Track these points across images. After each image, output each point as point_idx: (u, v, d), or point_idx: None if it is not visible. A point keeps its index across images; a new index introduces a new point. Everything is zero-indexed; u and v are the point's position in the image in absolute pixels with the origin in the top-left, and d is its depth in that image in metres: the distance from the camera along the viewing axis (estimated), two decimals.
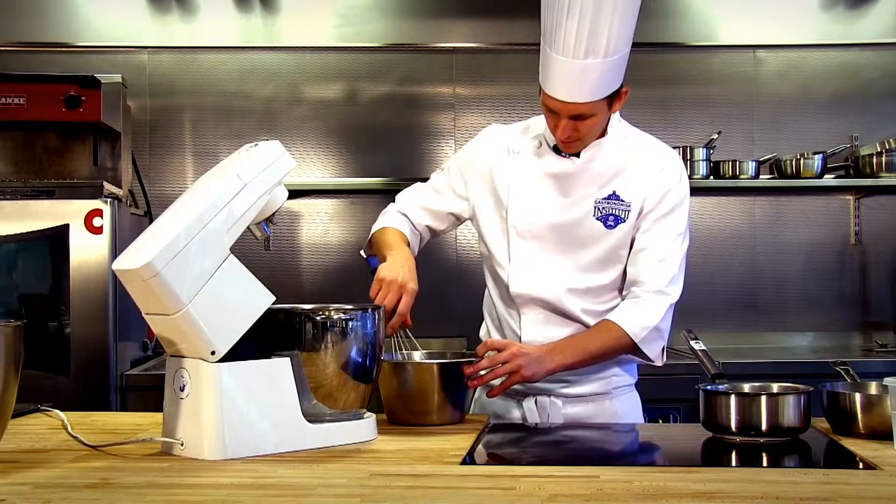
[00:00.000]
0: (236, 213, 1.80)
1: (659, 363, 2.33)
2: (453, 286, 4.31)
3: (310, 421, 1.83)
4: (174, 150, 4.36)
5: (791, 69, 4.36)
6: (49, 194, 3.55)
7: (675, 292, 2.32)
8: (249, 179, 1.83)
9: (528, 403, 2.35)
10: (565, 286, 2.31)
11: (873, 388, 2.03)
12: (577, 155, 2.33)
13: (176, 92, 4.35)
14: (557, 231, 2.32)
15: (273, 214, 1.94)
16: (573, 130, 2.23)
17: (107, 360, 3.48)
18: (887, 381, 1.80)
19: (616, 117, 2.36)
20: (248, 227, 1.88)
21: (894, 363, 3.72)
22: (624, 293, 2.35)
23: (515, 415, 2.37)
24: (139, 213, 4.02)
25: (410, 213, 2.49)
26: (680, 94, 4.35)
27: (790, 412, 1.91)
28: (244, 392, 1.77)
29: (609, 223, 2.31)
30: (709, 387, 2.02)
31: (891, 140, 4.16)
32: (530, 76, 4.60)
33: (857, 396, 1.92)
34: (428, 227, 2.49)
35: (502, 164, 2.39)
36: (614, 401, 2.39)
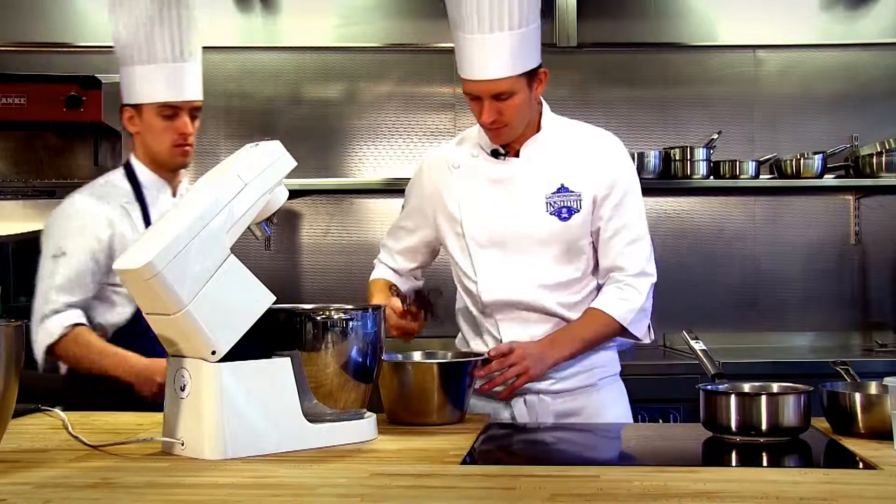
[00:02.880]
0: (237, 213, 1.80)
1: (647, 340, 2.38)
2: (453, 286, 4.30)
3: (310, 421, 1.83)
4: None
5: (791, 69, 4.36)
6: (50, 194, 3.55)
7: (654, 270, 2.38)
8: (250, 179, 1.83)
9: (517, 404, 2.36)
10: (535, 284, 2.34)
11: (873, 388, 2.03)
12: (517, 155, 2.36)
13: None
14: (515, 233, 2.35)
15: (273, 214, 1.94)
16: (497, 114, 2.25)
17: None
18: (887, 380, 1.80)
19: (548, 110, 2.40)
20: (248, 227, 1.89)
21: (894, 363, 3.72)
22: (601, 281, 2.38)
23: (504, 416, 2.37)
24: None
25: (389, 261, 2.57)
26: (680, 94, 4.35)
27: (790, 412, 1.91)
28: (245, 392, 1.77)
29: (563, 216, 2.33)
30: (709, 387, 2.02)
31: (891, 140, 4.15)
32: None
33: (857, 396, 1.92)
34: (411, 267, 2.56)
35: (446, 181, 2.43)
36: (601, 392, 2.41)
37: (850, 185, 4.20)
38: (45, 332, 2.46)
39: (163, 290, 1.70)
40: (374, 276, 2.57)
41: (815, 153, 4.08)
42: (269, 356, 1.82)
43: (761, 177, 4.14)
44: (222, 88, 4.29)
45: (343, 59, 4.32)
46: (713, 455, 1.94)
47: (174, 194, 2.61)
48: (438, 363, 2.12)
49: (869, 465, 1.67)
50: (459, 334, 2.55)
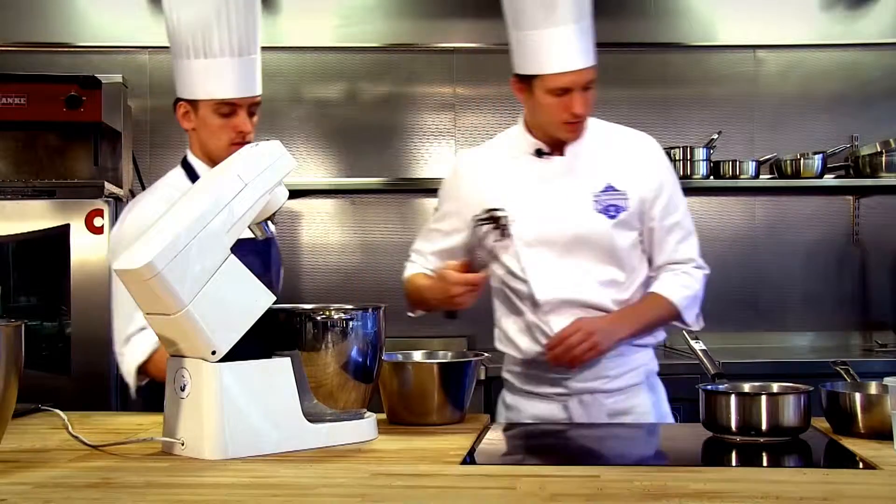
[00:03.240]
0: (237, 213, 1.80)
1: (697, 327, 2.43)
2: None
3: (310, 421, 1.83)
4: (175, 151, 4.35)
5: (791, 69, 4.36)
6: (50, 194, 3.55)
7: (704, 263, 2.47)
8: (250, 179, 1.83)
9: (572, 403, 2.39)
10: (586, 282, 2.37)
11: (873, 388, 2.03)
12: (562, 154, 2.39)
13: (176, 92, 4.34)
14: (563, 232, 2.37)
15: (274, 214, 1.94)
16: (584, 106, 2.30)
17: (107, 359, 3.47)
18: (887, 380, 1.80)
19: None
20: (248, 227, 1.89)
21: (894, 363, 3.72)
22: (659, 272, 2.44)
23: (560, 416, 2.40)
24: None
25: (424, 262, 2.54)
26: (680, 94, 4.35)
27: (790, 412, 1.91)
28: (245, 392, 1.77)
29: (611, 213, 2.37)
30: (709, 387, 2.02)
31: (891, 140, 4.15)
32: None
33: (857, 396, 1.92)
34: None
35: (487, 182, 2.44)
36: (648, 390, 2.45)
37: (850, 185, 4.20)
38: (133, 352, 2.33)
39: (163, 290, 1.70)
40: (409, 272, 2.54)
41: (815, 153, 4.08)
42: (269, 356, 1.82)
43: (761, 177, 4.15)
44: None
45: (343, 59, 4.33)
46: (713, 455, 1.94)
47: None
48: (438, 363, 2.12)
49: (869, 465, 1.67)
50: (499, 334, 2.55)
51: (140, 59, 4.33)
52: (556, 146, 2.41)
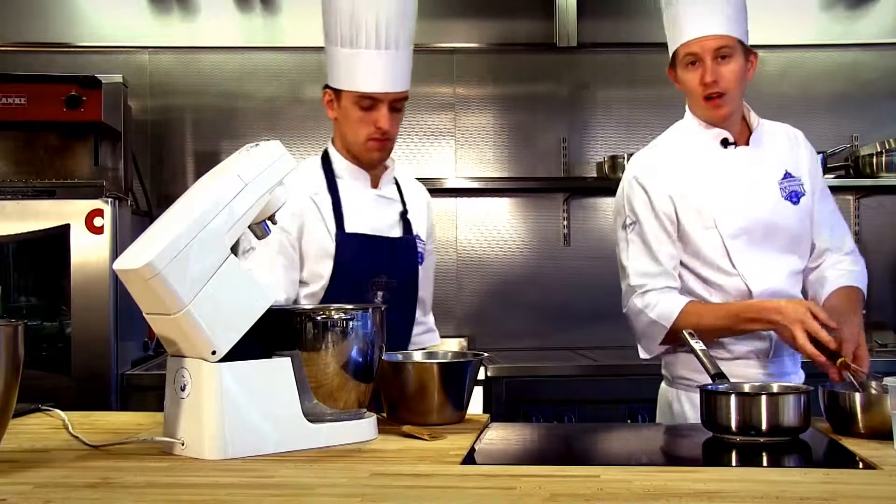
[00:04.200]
0: (237, 213, 1.80)
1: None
2: (453, 286, 4.31)
3: (310, 421, 1.83)
4: (175, 150, 4.37)
5: (791, 69, 4.36)
6: (50, 194, 3.55)
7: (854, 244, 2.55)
8: (250, 179, 1.83)
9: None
10: (786, 271, 2.38)
11: (873, 387, 2.03)
12: (747, 143, 2.42)
13: (177, 92, 4.35)
14: (760, 220, 2.37)
15: (274, 214, 1.94)
16: (717, 76, 2.30)
17: (107, 359, 3.48)
18: (887, 380, 1.80)
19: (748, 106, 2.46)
20: (249, 227, 1.89)
21: (894, 363, 3.72)
22: (814, 263, 2.46)
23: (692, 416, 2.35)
24: (140, 212, 4.02)
25: (674, 280, 2.38)
26: (680, 95, 4.32)
27: (790, 412, 1.91)
28: (245, 392, 1.77)
29: (794, 200, 2.41)
30: (709, 386, 2.02)
31: (891, 140, 4.15)
32: (531, 76, 4.60)
33: (857, 396, 1.92)
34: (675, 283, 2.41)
35: (682, 177, 2.38)
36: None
37: (850, 185, 4.20)
38: None
39: (163, 290, 1.70)
40: (677, 303, 2.32)
41: (816, 153, 4.08)
42: (269, 356, 1.82)
43: None
44: (222, 88, 4.30)
45: None
46: (713, 455, 1.94)
47: (375, 185, 2.46)
48: (438, 363, 2.12)
49: (869, 465, 1.67)
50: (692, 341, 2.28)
51: (140, 59, 4.34)
52: (736, 136, 2.42)
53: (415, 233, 2.49)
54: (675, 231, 2.37)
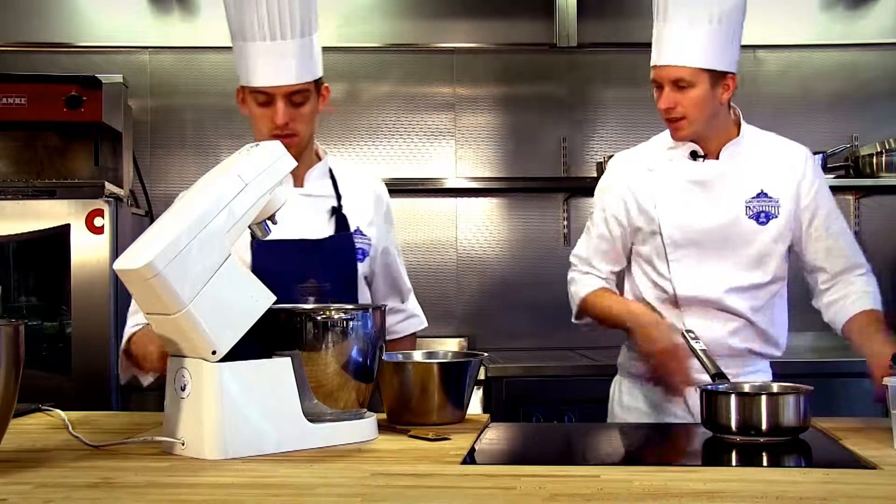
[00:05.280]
0: (237, 213, 1.80)
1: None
2: (453, 286, 4.31)
3: (310, 420, 1.83)
4: (175, 150, 4.37)
5: (791, 69, 4.36)
6: (50, 194, 3.55)
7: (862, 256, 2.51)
8: (250, 180, 1.83)
9: (691, 395, 2.36)
10: (727, 286, 2.39)
11: (746, 388, 2.07)
12: (717, 157, 2.43)
13: (177, 92, 4.35)
14: (711, 234, 2.40)
15: (274, 214, 1.94)
16: (672, 103, 2.35)
17: (107, 359, 3.48)
18: (887, 380, 1.80)
19: (742, 119, 2.49)
20: (249, 227, 1.89)
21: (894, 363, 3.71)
22: (826, 285, 2.45)
23: (679, 407, 2.41)
24: (140, 213, 4.02)
25: (595, 269, 2.54)
26: None
27: (790, 412, 1.91)
28: (245, 392, 1.77)
29: (761, 220, 2.41)
30: (709, 386, 2.02)
31: (891, 140, 4.15)
32: (531, 76, 4.60)
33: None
34: (614, 269, 2.56)
35: (642, 182, 2.47)
36: None
37: (850, 185, 4.20)
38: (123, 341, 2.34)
39: (163, 290, 1.70)
40: (590, 286, 2.53)
41: (815, 153, 4.06)
42: (269, 356, 1.82)
43: None
44: (222, 88, 4.29)
45: (343, 59, 4.33)
46: (713, 455, 1.94)
47: (299, 184, 2.35)
48: (438, 363, 2.12)
49: (869, 465, 1.67)
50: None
51: (140, 59, 4.34)
52: (710, 149, 2.44)
53: (354, 227, 2.37)
54: (624, 232, 2.49)
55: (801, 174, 2.45)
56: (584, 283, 2.54)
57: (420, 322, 2.62)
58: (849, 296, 2.42)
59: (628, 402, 2.52)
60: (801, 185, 2.44)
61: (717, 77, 2.36)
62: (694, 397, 2.34)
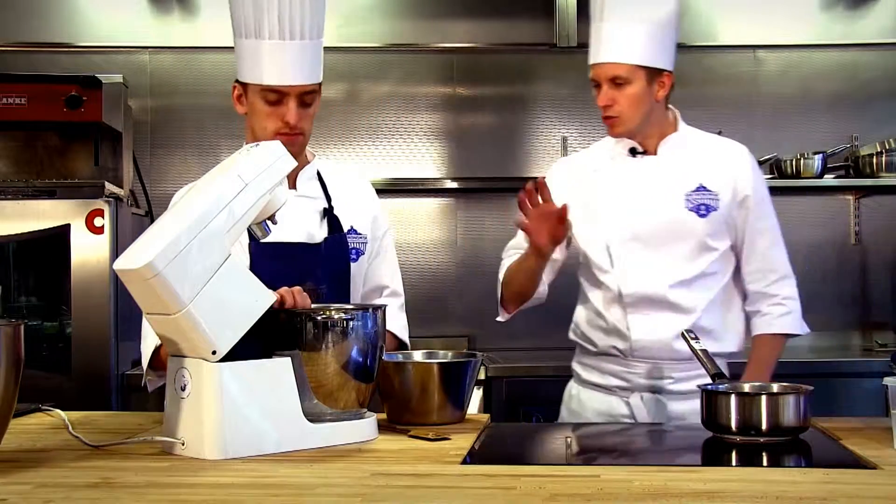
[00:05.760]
0: (237, 213, 1.80)
1: (805, 332, 2.56)
2: (453, 287, 4.31)
3: (310, 420, 1.83)
4: (175, 150, 4.37)
5: (791, 69, 4.36)
6: (50, 194, 3.55)
7: (791, 270, 2.55)
8: (250, 179, 1.83)
9: (634, 399, 2.43)
10: (671, 280, 2.42)
11: (746, 388, 2.09)
12: (655, 153, 2.47)
13: (177, 92, 4.35)
14: (653, 229, 2.43)
15: (275, 213, 1.94)
16: (610, 100, 2.38)
17: (108, 359, 3.48)
18: (887, 380, 1.80)
19: (680, 118, 2.54)
20: (249, 227, 1.88)
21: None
22: (752, 286, 2.50)
23: (622, 411, 2.44)
24: (140, 213, 4.02)
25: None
26: (680, 94, 4.32)
27: (790, 412, 1.91)
28: (245, 392, 1.77)
29: (702, 212, 2.44)
30: (709, 386, 2.02)
31: (891, 140, 4.15)
32: (530, 76, 4.60)
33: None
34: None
35: (584, 183, 2.52)
36: None
37: (850, 185, 4.20)
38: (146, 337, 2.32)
39: (163, 290, 1.70)
40: (505, 263, 2.60)
41: (815, 153, 4.08)
42: (269, 356, 1.82)
43: None
44: (222, 88, 4.28)
45: (343, 59, 4.32)
46: (713, 455, 1.94)
47: (293, 185, 2.34)
48: (438, 363, 2.12)
49: (869, 465, 1.67)
50: (575, 327, 2.61)
51: (140, 59, 4.34)
52: (648, 146, 2.49)
53: (347, 227, 2.36)
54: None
55: (738, 170, 2.49)
56: (507, 261, 2.59)
57: (403, 330, 2.47)
58: (768, 313, 2.49)
59: (576, 407, 2.55)
60: (737, 181, 2.47)
61: (653, 74, 2.40)
62: (637, 402, 2.40)
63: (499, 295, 2.60)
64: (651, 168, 2.47)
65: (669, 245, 2.42)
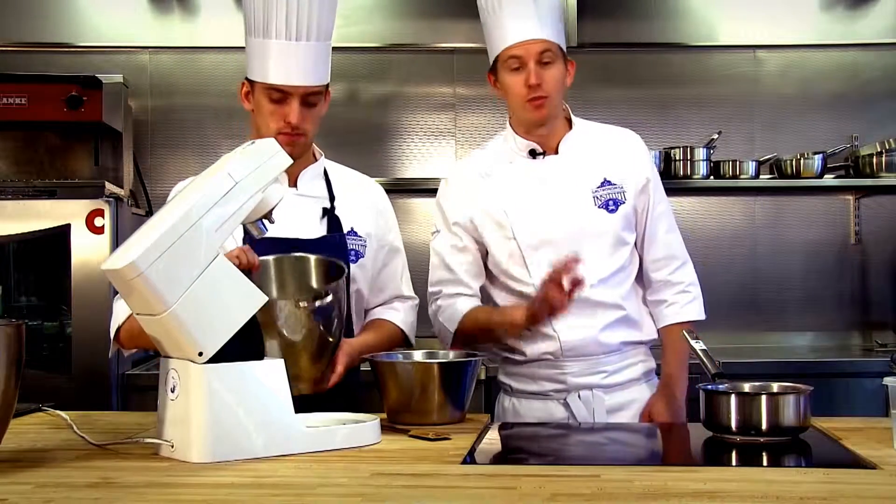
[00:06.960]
0: (227, 211, 1.76)
1: (703, 316, 2.49)
2: None
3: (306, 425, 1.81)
4: (175, 150, 4.36)
5: (791, 69, 4.36)
6: (50, 194, 3.55)
7: (687, 254, 2.52)
8: (240, 178, 1.80)
9: (572, 399, 2.40)
10: (590, 280, 2.35)
11: (746, 387, 2.05)
12: (556, 152, 2.43)
13: (177, 92, 4.35)
14: (567, 230, 2.38)
15: (271, 212, 1.93)
16: (541, 79, 2.34)
17: (108, 359, 3.47)
18: (887, 380, 1.80)
19: (571, 112, 2.50)
20: (245, 226, 1.87)
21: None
22: (654, 274, 2.46)
23: (561, 414, 2.40)
24: (140, 212, 4.02)
25: (465, 286, 2.47)
26: (680, 94, 4.35)
27: (790, 412, 1.91)
28: (233, 394, 1.74)
29: (611, 208, 2.40)
30: (709, 386, 2.02)
31: (891, 140, 4.15)
32: None
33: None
34: (479, 286, 2.50)
35: (482, 190, 2.44)
36: (644, 386, 2.47)
37: (850, 185, 4.20)
38: (116, 311, 2.47)
39: (147, 290, 1.68)
40: (464, 307, 2.43)
41: (815, 153, 4.08)
42: (261, 358, 1.80)
43: (761, 177, 4.15)
44: (222, 88, 4.29)
45: (343, 59, 4.31)
46: (713, 455, 1.94)
47: (293, 184, 2.37)
48: (438, 363, 2.12)
49: (869, 465, 1.67)
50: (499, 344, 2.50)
51: (140, 59, 4.33)
52: (548, 145, 2.44)
53: (348, 228, 2.37)
54: (475, 242, 2.45)
55: (634, 158, 2.47)
56: (457, 305, 2.44)
57: (404, 323, 2.47)
58: (675, 302, 2.45)
59: (512, 419, 2.47)
60: (635, 169, 2.45)
61: (564, 59, 2.41)
62: (574, 401, 2.40)
63: (448, 338, 2.44)
64: (555, 168, 2.42)
65: (584, 246, 2.35)
